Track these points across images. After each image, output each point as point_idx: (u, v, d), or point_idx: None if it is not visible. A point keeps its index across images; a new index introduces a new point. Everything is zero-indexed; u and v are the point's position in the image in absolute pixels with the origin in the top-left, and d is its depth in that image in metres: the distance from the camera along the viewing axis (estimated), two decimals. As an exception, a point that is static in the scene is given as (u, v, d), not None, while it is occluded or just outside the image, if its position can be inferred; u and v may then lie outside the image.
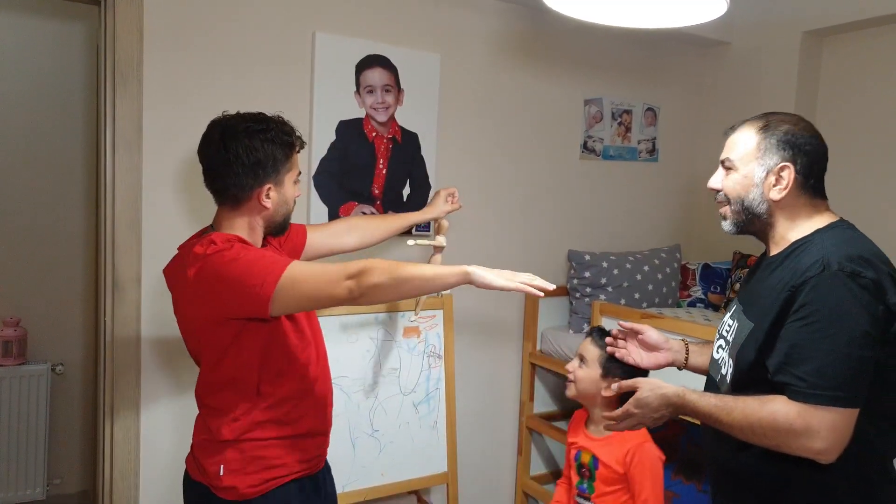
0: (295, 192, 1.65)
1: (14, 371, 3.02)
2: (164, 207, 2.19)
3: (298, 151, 1.64)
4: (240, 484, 1.54)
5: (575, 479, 2.03)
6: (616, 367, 1.89)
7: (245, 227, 1.59)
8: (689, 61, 3.34)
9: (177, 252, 1.61)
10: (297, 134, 1.62)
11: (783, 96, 3.00)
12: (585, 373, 1.96)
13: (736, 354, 1.42)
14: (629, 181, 3.22)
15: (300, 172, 1.66)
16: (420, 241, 2.09)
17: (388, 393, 2.46)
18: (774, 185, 1.40)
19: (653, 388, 1.46)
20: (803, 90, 2.99)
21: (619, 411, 1.49)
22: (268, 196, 1.57)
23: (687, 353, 1.73)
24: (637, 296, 2.88)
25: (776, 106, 3.02)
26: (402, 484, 2.49)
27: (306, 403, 1.63)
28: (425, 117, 2.61)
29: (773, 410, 1.30)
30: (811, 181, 1.41)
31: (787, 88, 3.00)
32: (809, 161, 1.40)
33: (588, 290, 2.83)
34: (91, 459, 3.27)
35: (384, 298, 1.48)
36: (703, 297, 3.06)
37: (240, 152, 1.51)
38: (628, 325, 1.78)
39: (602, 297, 2.80)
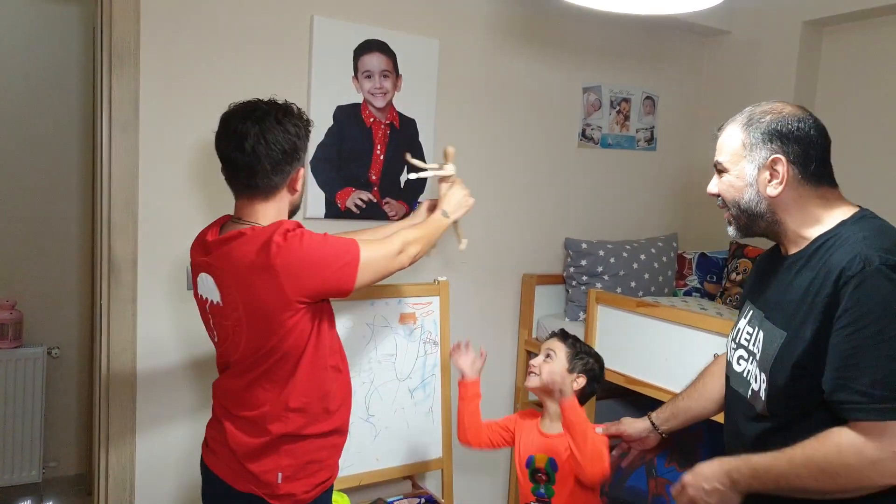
0: None
1: (10, 354, 3.03)
2: (160, 189, 2.18)
3: None
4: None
5: (529, 485, 1.99)
6: (580, 364, 1.98)
7: (275, 217, 1.56)
8: (689, 50, 3.33)
9: (208, 244, 1.55)
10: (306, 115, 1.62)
11: (782, 86, 2.99)
12: (551, 366, 1.97)
13: (770, 368, 1.27)
14: (627, 170, 3.22)
15: None
16: (424, 173, 1.96)
17: (384, 379, 2.46)
18: (770, 181, 1.29)
19: (714, 459, 1.33)
20: (802, 80, 2.98)
21: (676, 484, 1.39)
22: (298, 180, 1.59)
23: (654, 425, 1.73)
24: (633, 284, 2.88)
25: (775, 96, 3.02)
26: (397, 469, 2.50)
27: (343, 395, 1.68)
28: (423, 103, 2.60)
29: (836, 442, 1.15)
30: (811, 168, 1.28)
31: (786, 78, 2.99)
32: (802, 148, 1.27)
33: (584, 278, 2.84)
34: (87, 442, 3.28)
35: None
36: (699, 286, 3.07)
37: (280, 140, 1.50)
38: (608, 433, 1.83)
39: (598, 285, 2.80)
